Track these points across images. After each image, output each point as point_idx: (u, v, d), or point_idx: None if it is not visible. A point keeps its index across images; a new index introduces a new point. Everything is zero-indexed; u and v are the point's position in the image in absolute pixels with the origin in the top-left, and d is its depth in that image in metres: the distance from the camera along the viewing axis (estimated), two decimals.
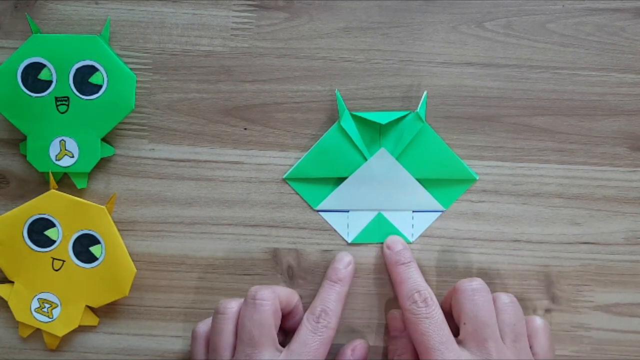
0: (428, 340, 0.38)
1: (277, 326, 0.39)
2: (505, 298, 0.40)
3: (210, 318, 0.41)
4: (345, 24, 0.44)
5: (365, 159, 0.43)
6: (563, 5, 0.44)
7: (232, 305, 0.40)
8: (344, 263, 0.42)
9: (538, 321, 0.41)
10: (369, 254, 0.44)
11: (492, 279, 0.43)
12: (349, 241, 0.43)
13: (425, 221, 0.44)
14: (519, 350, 0.39)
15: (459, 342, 0.39)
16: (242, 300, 0.40)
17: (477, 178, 0.44)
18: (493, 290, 0.41)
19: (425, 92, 0.43)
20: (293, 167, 0.43)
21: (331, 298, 0.40)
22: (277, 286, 0.41)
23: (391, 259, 0.42)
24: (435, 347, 0.38)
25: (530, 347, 0.40)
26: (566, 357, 0.43)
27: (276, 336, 0.39)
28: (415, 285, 0.40)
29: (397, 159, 0.43)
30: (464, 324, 0.39)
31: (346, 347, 0.42)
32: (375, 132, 0.43)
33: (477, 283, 0.40)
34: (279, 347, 0.39)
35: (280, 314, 0.40)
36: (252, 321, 0.38)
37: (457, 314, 0.40)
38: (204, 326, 0.41)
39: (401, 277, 0.41)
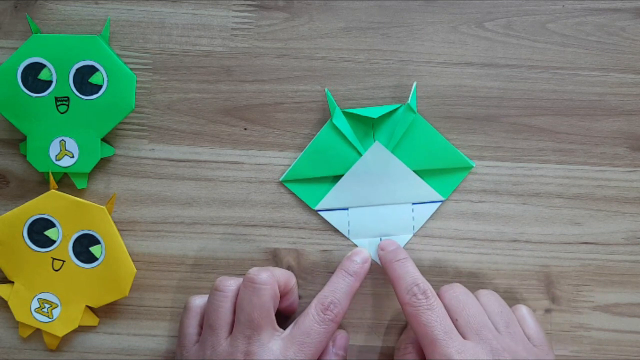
0: (432, 331, 0.38)
1: (276, 308, 0.39)
2: (484, 291, 0.41)
3: (206, 294, 0.41)
4: (345, 24, 0.44)
5: (360, 155, 0.43)
6: (563, 5, 0.44)
7: (231, 284, 0.39)
8: (362, 258, 0.41)
9: (523, 308, 0.41)
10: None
11: (492, 279, 0.43)
12: (352, 239, 0.43)
13: (426, 213, 0.44)
14: (514, 335, 0.39)
15: None
16: (240, 279, 0.40)
17: (474, 165, 0.44)
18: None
19: (415, 83, 0.43)
20: (289, 169, 0.43)
21: (342, 290, 0.39)
22: (275, 268, 0.41)
23: (386, 258, 0.42)
24: (440, 337, 0.38)
25: None
26: (566, 357, 0.43)
27: (274, 318, 0.38)
28: (414, 279, 0.40)
29: (392, 152, 0.43)
30: (456, 320, 0.39)
31: None
32: (368, 127, 0.43)
33: (456, 285, 0.41)
34: (278, 328, 0.38)
35: (278, 297, 0.39)
36: (251, 304, 0.38)
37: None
38: (199, 300, 0.41)
39: (398, 273, 0.40)
